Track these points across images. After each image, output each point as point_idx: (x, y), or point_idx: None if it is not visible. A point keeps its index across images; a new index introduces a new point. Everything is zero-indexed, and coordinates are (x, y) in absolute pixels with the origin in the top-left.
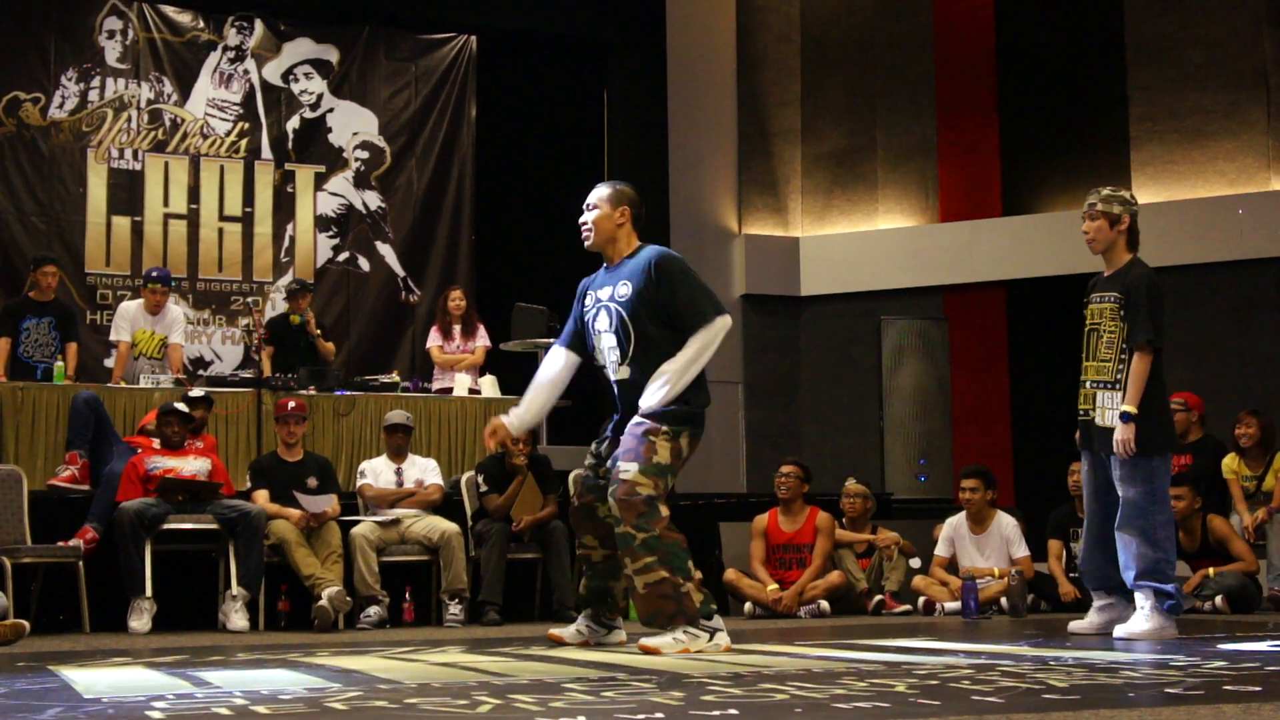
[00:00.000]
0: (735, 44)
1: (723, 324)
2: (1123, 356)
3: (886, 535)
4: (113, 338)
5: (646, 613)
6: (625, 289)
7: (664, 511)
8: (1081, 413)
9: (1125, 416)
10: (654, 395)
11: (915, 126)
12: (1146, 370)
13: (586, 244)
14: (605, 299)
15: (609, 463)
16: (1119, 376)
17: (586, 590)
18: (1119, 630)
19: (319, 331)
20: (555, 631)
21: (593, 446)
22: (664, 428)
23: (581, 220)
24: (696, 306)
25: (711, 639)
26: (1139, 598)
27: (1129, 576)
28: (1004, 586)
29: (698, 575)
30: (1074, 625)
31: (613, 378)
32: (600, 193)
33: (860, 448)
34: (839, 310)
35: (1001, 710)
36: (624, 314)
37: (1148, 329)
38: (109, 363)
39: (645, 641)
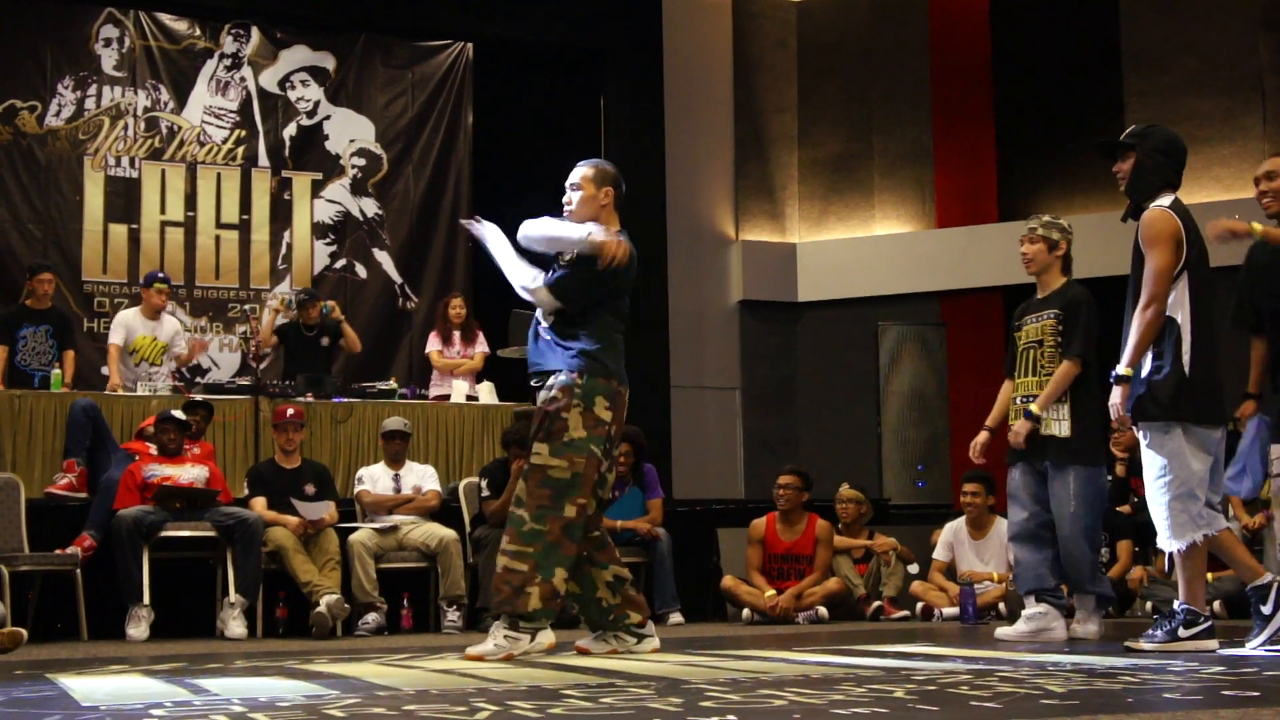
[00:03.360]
0: (732, 50)
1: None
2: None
3: (884, 541)
4: (108, 341)
5: (490, 588)
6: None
7: (569, 512)
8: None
9: (1029, 415)
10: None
11: (912, 132)
12: (1069, 379)
13: (569, 219)
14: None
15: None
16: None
17: (583, 614)
18: (1079, 633)
19: (342, 317)
20: (581, 644)
21: None
22: (574, 400)
23: (565, 199)
24: None
25: (533, 640)
26: (1083, 600)
27: (1078, 585)
28: (1002, 592)
29: (557, 583)
30: (1002, 632)
31: (534, 318)
32: (584, 172)
33: (858, 453)
34: (836, 316)
35: (1000, 716)
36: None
37: (1078, 345)
38: (106, 370)
39: (470, 650)
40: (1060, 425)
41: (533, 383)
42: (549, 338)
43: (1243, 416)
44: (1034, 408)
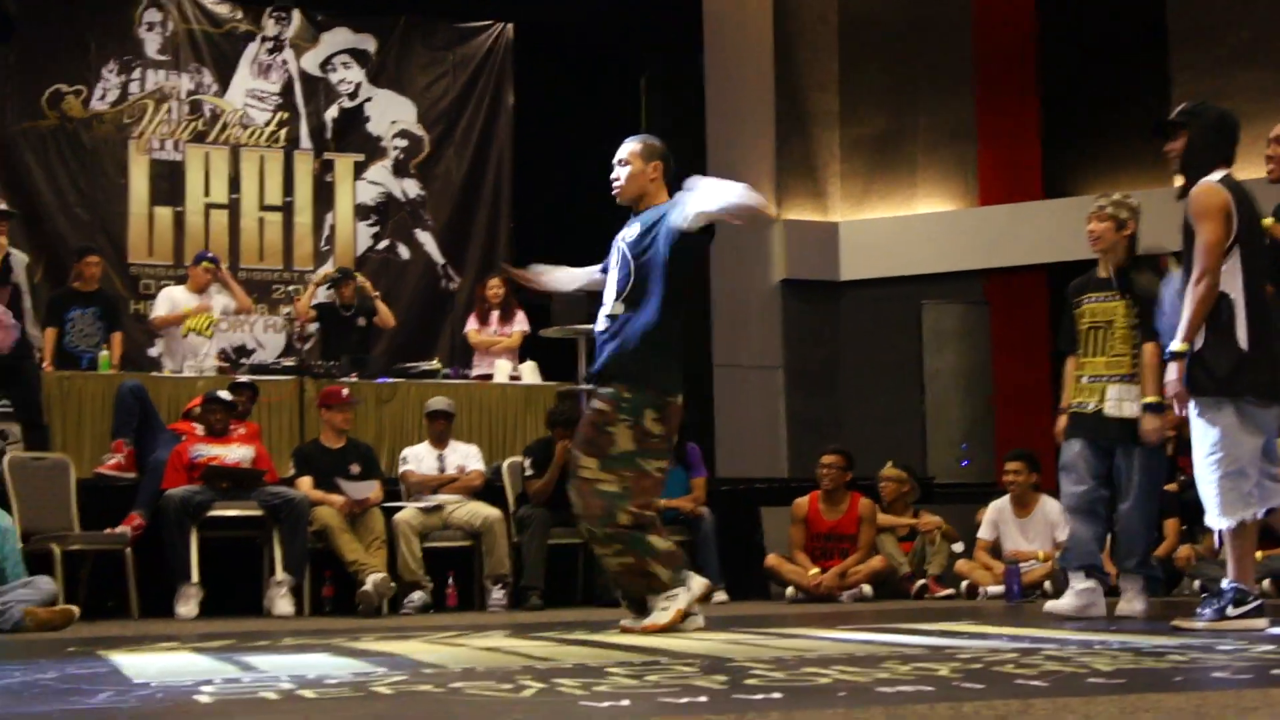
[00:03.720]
0: (772, 26)
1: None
2: (1135, 350)
3: (929, 520)
4: (151, 315)
5: (619, 585)
6: (634, 229)
7: (626, 514)
8: (1077, 404)
9: (1157, 407)
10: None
11: (955, 109)
12: (1160, 362)
13: (617, 198)
14: (619, 239)
15: None
16: (1135, 370)
17: (618, 589)
18: (1126, 611)
19: (377, 294)
20: (625, 623)
21: None
22: (621, 415)
23: (613, 175)
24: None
25: (688, 590)
26: (1131, 580)
27: (1131, 563)
28: (1048, 570)
29: (665, 546)
30: (1051, 605)
31: (603, 315)
32: (632, 147)
33: (901, 433)
34: (879, 295)
35: (1046, 694)
36: (628, 252)
37: None
38: (153, 352)
39: (644, 623)
40: (1131, 407)
41: (584, 383)
42: (611, 330)
43: None
44: (1153, 398)
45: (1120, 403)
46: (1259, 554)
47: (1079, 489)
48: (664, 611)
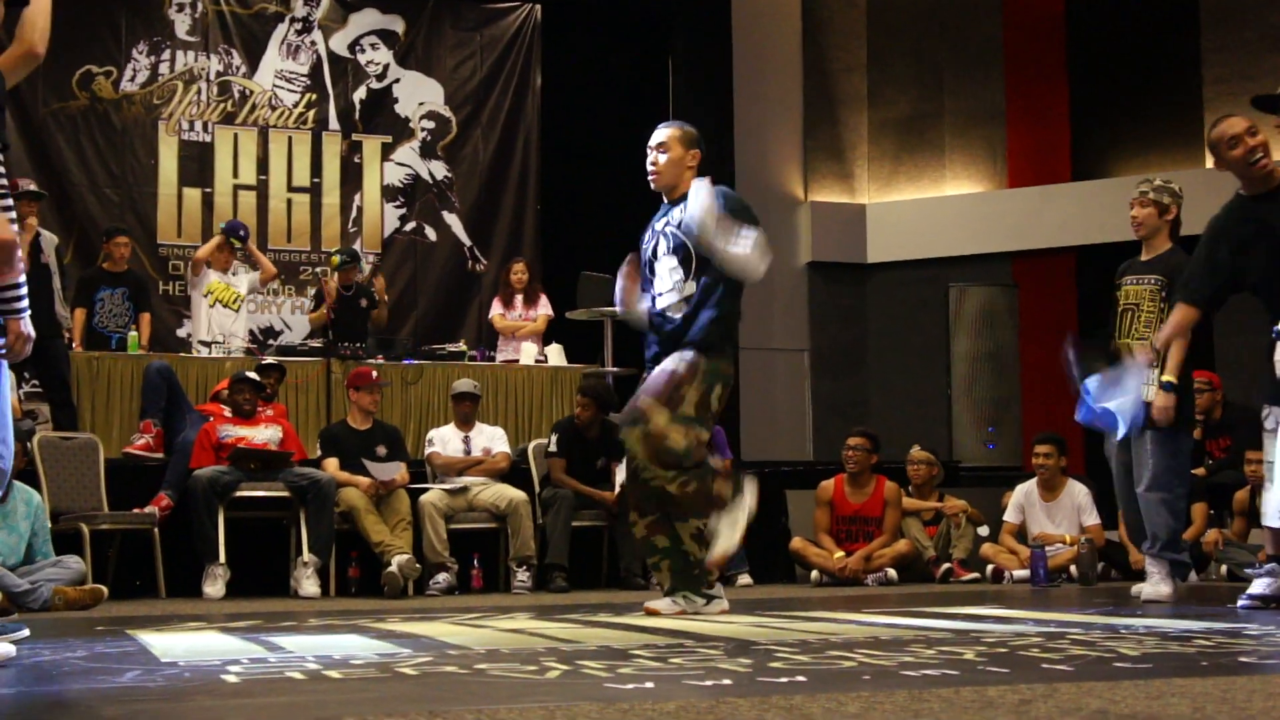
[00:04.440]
0: (800, 8)
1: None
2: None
3: (954, 503)
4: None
5: (681, 506)
6: (677, 214)
7: (694, 485)
8: None
9: (1169, 386)
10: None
11: (983, 91)
12: (1185, 348)
13: (654, 185)
14: (662, 228)
15: None
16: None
17: (671, 567)
18: (1146, 593)
19: (385, 298)
20: (651, 604)
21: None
22: (698, 380)
23: (650, 161)
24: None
25: (708, 605)
26: (1157, 564)
27: (1155, 547)
28: (1074, 554)
29: (723, 464)
30: (1141, 590)
31: (669, 303)
32: (670, 133)
33: (928, 416)
34: (906, 277)
35: (1072, 679)
36: (681, 235)
37: None
38: (182, 332)
39: (650, 604)
40: (1150, 391)
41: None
42: (682, 314)
43: None
44: (1169, 377)
45: (1144, 387)
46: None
47: (1128, 484)
48: (731, 531)
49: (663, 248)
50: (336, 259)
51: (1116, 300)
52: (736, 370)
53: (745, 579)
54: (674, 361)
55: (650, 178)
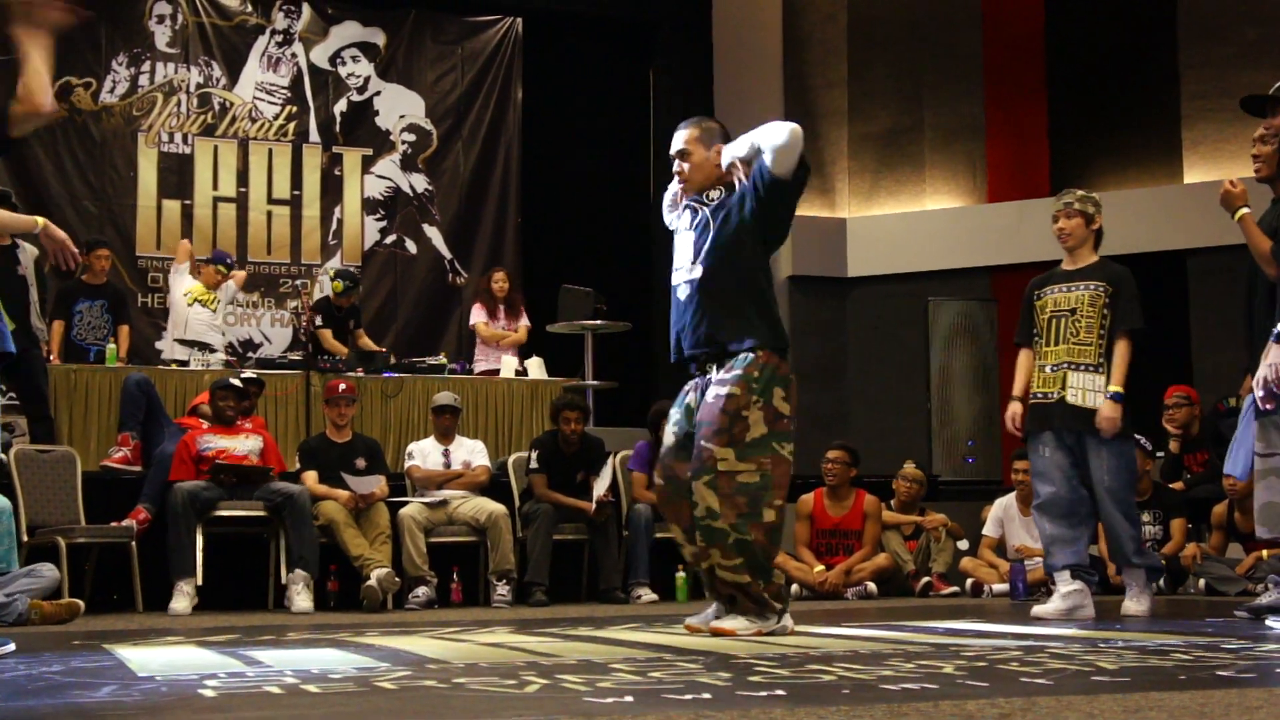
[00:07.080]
0: (781, 24)
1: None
2: (1102, 341)
3: (934, 517)
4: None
5: (723, 595)
6: (717, 192)
7: (768, 516)
8: (1040, 395)
9: (1117, 396)
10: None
11: (963, 106)
12: (1131, 352)
13: (685, 192)
14: (688, 201)
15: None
16: (1101, 360)
17: (706, 587)
18: (1126, 608)
19: (377, 347)
20: (692, 621)
21: (675, 413)
22: (753, 397)
23: (676, 169)
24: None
25: (779, 621)
26: (1133, 575)
27: (1123, 559)
28: None
29: (779, 580)
30: (1039, 610)
31: (683, 280)
32: (688, 134)
33: (907, 429)
34: (886, 292)
35: (1051, 692)
36: (707, 211)
37: (1139, 318)
38: (160, 345)
39: (717, 624)
40: (1094, 397)
41: (692, 367)
42: (713, 296)
43: (1244, 393)
44: (1116, 387)
45: (1083, 391)
46: (1265, 553)
47: (1050, 491)
48: (750, 625)
49: (684, 221)
50: (340, 284)
51: (1036, 311)
52: (787, 351)
53: None
54: (720, 391)
55: (679, 185)
